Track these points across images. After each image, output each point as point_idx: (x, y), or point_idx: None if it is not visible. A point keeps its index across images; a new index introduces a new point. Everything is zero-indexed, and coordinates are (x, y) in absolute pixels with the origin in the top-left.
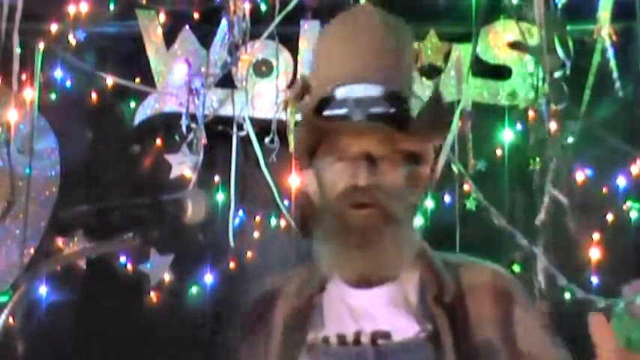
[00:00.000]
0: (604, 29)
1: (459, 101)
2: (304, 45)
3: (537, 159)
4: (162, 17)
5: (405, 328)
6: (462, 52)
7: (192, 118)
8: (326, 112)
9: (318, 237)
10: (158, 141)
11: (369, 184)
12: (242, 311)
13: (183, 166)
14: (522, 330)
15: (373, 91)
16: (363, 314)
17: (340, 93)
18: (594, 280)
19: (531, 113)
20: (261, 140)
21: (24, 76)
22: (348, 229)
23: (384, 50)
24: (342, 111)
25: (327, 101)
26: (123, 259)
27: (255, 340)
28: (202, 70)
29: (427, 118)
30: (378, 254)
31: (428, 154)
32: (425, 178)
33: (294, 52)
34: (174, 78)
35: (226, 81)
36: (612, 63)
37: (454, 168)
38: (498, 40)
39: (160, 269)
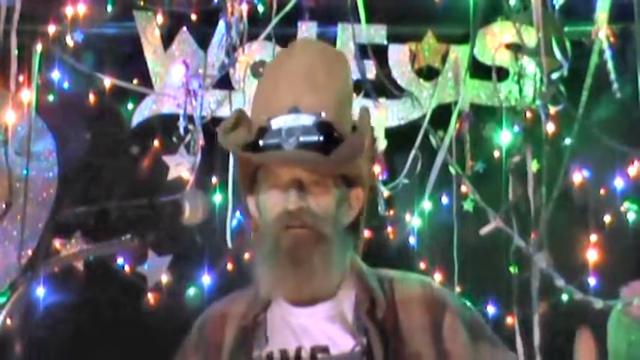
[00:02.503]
0: (602, 31)
1: (456, 102)
2: None
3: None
4: (159, 18)
5: (341, 342)
6: (459, 54)
7: (190, 119)
8: (261, 142)
9: (256, 259)
10: (156, 142)
11: (299, 208)
12: (192, 333)
13: (180, 167)
14: (451, 337)
15: (305, 120)
16: (303, 331)
17: (275, 123)
18: (592, 281)
19: (529, 115)
20: None
21: (22, 78)
22: (280, 249)
23: (316, 82)
24: (275, 141)
25: (264, 131)
26: (121, 260)
27: (201, 358)
28: (200, 71)
29: (348, 143)
30: (307, 273)
31: (359, 176)
32: (360, 199)
33: None
34: (172, 79)
35: (224, 82)
36: (610, 64)
37: (452, 169)
38: (496, 42)
39: (158, 270)
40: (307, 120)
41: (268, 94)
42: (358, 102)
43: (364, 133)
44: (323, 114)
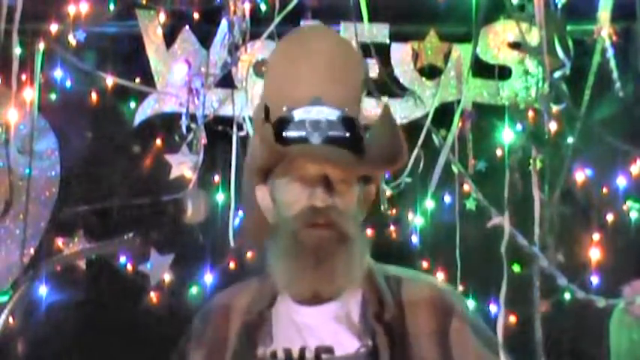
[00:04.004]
0: (604, 29)
1: (459, 101)
2: None
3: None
4: (162, 17)
5: (346, 343)
6: (461, 53)
7: (192, 118)
8: (285, 134)
9: (273, 254)
10: (158, 141)
11: (326, 205)
12: (194, 326)
13: (183, 166)
14: (458, 342)
15: (329, 114)
16: (308, 330)
17: (297, 114)
18: (594, 280)
19: (531, 113)
20: None
21: (24, 77)
22: (303, 248)
23: (337, 73)
24: (301, 133)
25: (284, 121)
26: (123, 259)
27: (205, 352)
28: (202, 70)
29: (383, 145)
30: (329, 273)
31: (378, 175)
32: (372, 196)
33: None
34: (174, 78)
35: (226, 81)
36: (612, 63)
37: (454, 168)
38: (498, 41)
39: (160, 269)
40: (331, 114)
41: (286, 81)
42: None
43: (401, 136)
44: (346, 109)
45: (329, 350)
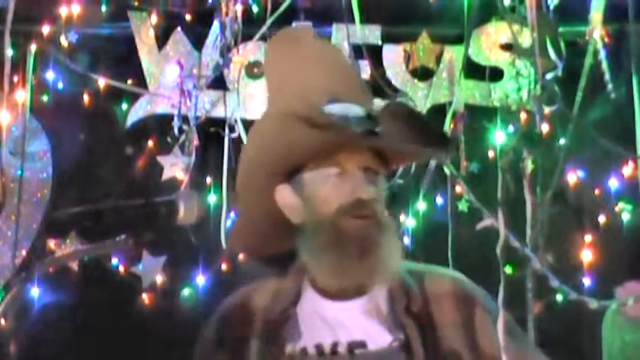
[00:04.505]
0: (596, 31)
1: (451, 103)
2: None
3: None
4: (154, 19)
5: (379, 337)
6: (454, 54)
7: (185, 119)
8: (335, 126)
9: (310, 249)
10: (150, 143)
11: (371, 198)
12: (211, 329)
13: (175, 167)
14: (483, 332)
15: (356, 110)
16: (339, 325)
17: (328, 110)
18: (587, 281)
19: (523, 115)
20: None
21: (16, 78)
22: (348, 239)
23: (347, 71)
24: (346, 125)
25: (320, 116)
26: (115, 260)
27: (228, 353)
28: (194, 71)
29: (421, 135)
30: (375, 263)
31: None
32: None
33: None
34: (167, 80)
35: (218, 83)
36: (604, 65)
37: (446, 170)
38: (490, 42)
39: (153, 271)
40: (357, 110)
41: (296, 82)
42: None
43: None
44: (366, 104)
45: (362, 345)
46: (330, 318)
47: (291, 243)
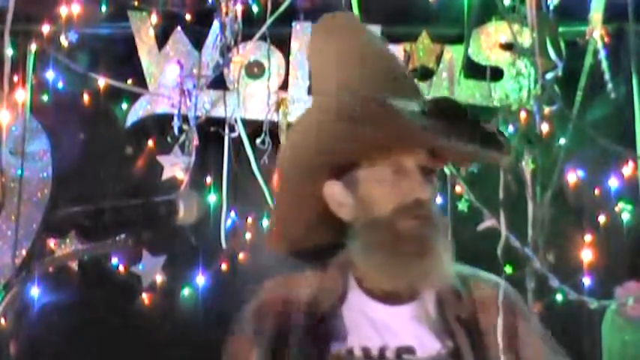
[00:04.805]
0: (596, 31)
1: None
2: (296, 46)
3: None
4: (154, 19)
5: (428, 344)
6: (454, 54)
7: (185, 119)
8: (415, 122)
9: (364, 247)
10: (150, 142)
11: (429, 198)
12: (246, 321)
13: (175, 167)
14: (525, 340)
15: (414, 106)
16: (387, 329)
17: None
18: (587, 281)
19: (523, 115)
20: (253, 141)
21: (16, 78)
22: (405, 240)
23: (394, 63)
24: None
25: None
26: (115, 260)
27: (266, 347)
28: (194, 71)
29: (475, 135)
30: (433, 264)
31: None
32: None
33: (286, 53)
34: (167, 79)
35: (218, 82)
36: (604, 64)
37: (446, 169)
38: (490, 42)
39: (152, 271)
40: (415, 106)
41: (344, 74)
42: None
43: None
44: (420, 101)
45: (410, 351)
46: (378, 321)
47: (331, 238)
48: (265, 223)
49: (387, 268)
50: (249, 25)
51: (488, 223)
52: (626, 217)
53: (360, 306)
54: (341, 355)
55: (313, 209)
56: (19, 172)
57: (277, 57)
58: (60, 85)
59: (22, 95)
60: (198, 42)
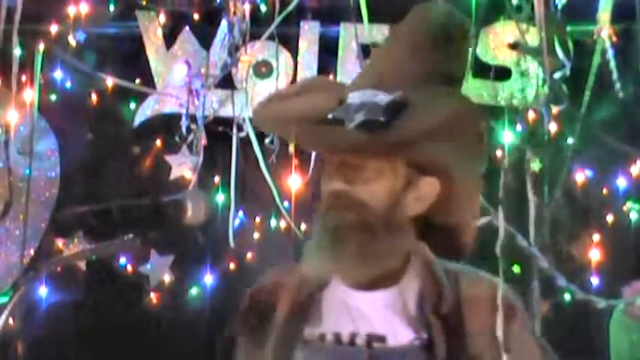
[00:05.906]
0: (604, 30)
1: None
2: (304, 46)
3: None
4: (162, 18)
5: (400, 333)
6: None
7: (192, 119)
8: (330, 115)
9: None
10: (158, 142)
11: (344, 190)
12: (243, 302)
13: (183, 167)
14: (516, 345)
15: (381, 98)
16: (360, 316)
17: (351, 97)
18: (595, 281)
19: (531, 114)
20: (261, 141)
21: (24, 77)
22: (324, 229)
23: (417, 54)
24: (341, 116)
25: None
26: (123, 260)
27: (254, 332)
28: (202, 70)
29: (401, 124)
30: (344, 255)
31: (433, 163)
32: (435, 190)
33: (294, 53)
34: (174, 79)
35: (226, 82)
36: (612, 64)
37: None
38: (498, 41)
39: (160, 270)
40: (384, 98)
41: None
42: None
43: (435, 114)
44: (400, 92)
45: (381, 339)
46: (354, 307)
47: None
48: (273, 222)
49: (310, 257)
50: (257, 24)
51: (486, 218)
52: (633, 216)
53: (339, 293)
54: (312, 339)
55: None
56: (27, 171)
57: (285, 56)
58: (68, 84)
59: (30, 95)
60: (206, 41)
